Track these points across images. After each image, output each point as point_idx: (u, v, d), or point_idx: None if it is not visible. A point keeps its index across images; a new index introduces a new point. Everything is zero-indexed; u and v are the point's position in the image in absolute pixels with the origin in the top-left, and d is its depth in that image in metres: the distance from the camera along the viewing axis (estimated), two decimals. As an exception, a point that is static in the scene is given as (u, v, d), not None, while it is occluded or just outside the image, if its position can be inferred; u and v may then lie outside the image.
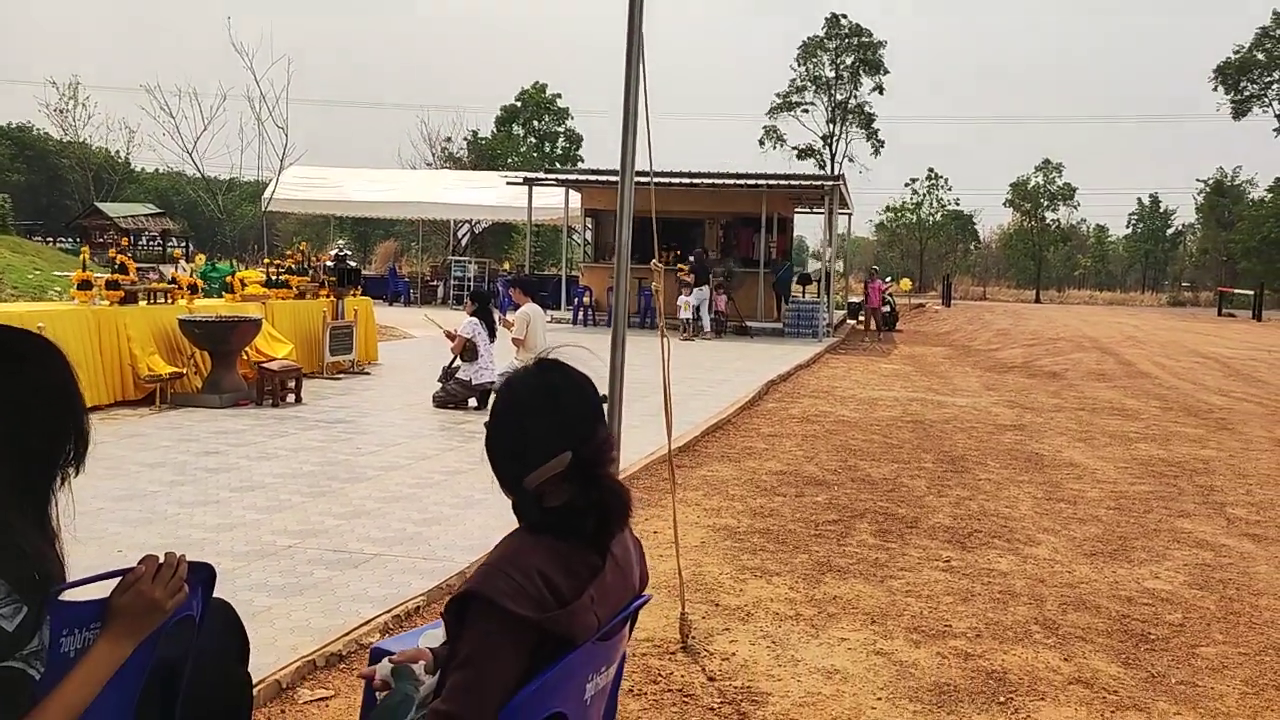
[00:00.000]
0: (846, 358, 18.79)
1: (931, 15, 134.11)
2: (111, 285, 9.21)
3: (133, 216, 33.99)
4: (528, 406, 1.89)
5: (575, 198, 26.79)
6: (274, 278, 11.79)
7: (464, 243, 35.73)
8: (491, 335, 10.04)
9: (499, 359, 11.38)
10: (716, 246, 25.69)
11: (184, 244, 38.69)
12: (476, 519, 5.78)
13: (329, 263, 12.62)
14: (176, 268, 12.91)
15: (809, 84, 67.09)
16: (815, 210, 29.76)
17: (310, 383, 11.27)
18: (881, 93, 66.13)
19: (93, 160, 45.85)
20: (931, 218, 72.47)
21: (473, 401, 9.87)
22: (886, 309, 27.62)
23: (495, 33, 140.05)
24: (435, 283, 30.98)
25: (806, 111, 66.87)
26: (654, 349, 16.91)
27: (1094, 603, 5.06)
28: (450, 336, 10.77)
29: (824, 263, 26.24)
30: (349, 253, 12.83)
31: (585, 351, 2.09)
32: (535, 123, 64.37)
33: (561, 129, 64.79)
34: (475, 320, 9.93)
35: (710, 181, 22.78)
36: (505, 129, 62.17)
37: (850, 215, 30.74)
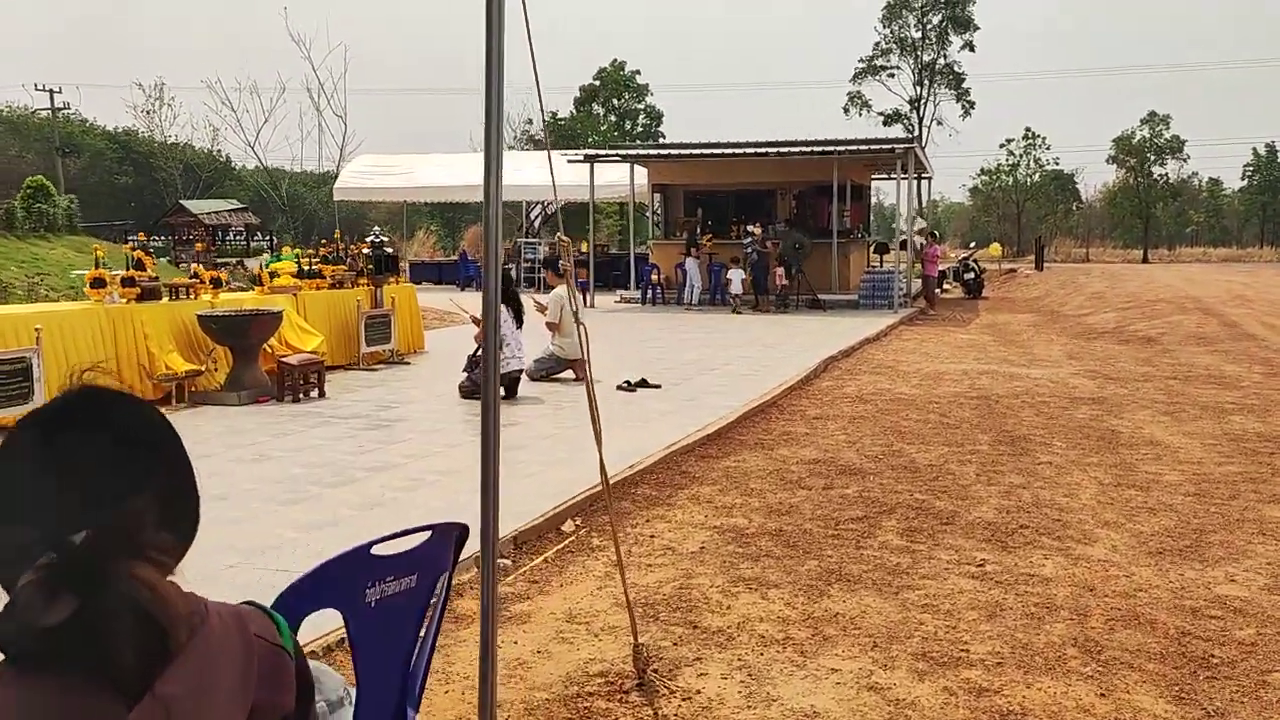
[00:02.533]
0: (921, 329, 17.81)
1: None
2: (127, 282, 9.00)
3: (216, 212, 34.68)
4: (4, 480, 1.24)
5: (643, 173, 26.18)
6: (307, 267, 11.51)
7: (537, 224, 35.44)
8: (518, 321, 9.54)
9: (535, 345, 10.91)
10: (789, 217, 24.81)
11: (268, 237, 39.43)
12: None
13: (366, 250, 12.29)
14: (208, 266, 12.74)
15: (895, 46, 64.90)
16: (895, 176, 28.55)
17: (344, 375, 10.98)
18: (972, 51, 63.61)
19: (180, 158, 47.00)
20: (1029, 179, 69.55)
21: (500, 391, 9.37)
22: (970, 275, 26.35)
23: (565, 12, 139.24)
24: (508, 265, 30.74)
25: (893, 75, 64.79)
26: (704, 327, 16.17)
27: (1150, 616, 4.29)
28: (476, 322, 10.34)
29: (908, 231, 25.07)
30: (386, 239, 12.48)
31: None
32: (615, 101, 63.97)
33: (641, 106, 64.22)
34: (500, 306, 9.43)
35: (777, 151, 21.89)
36: (585, 109, 61.90)
37: (930, 180, 29.39)
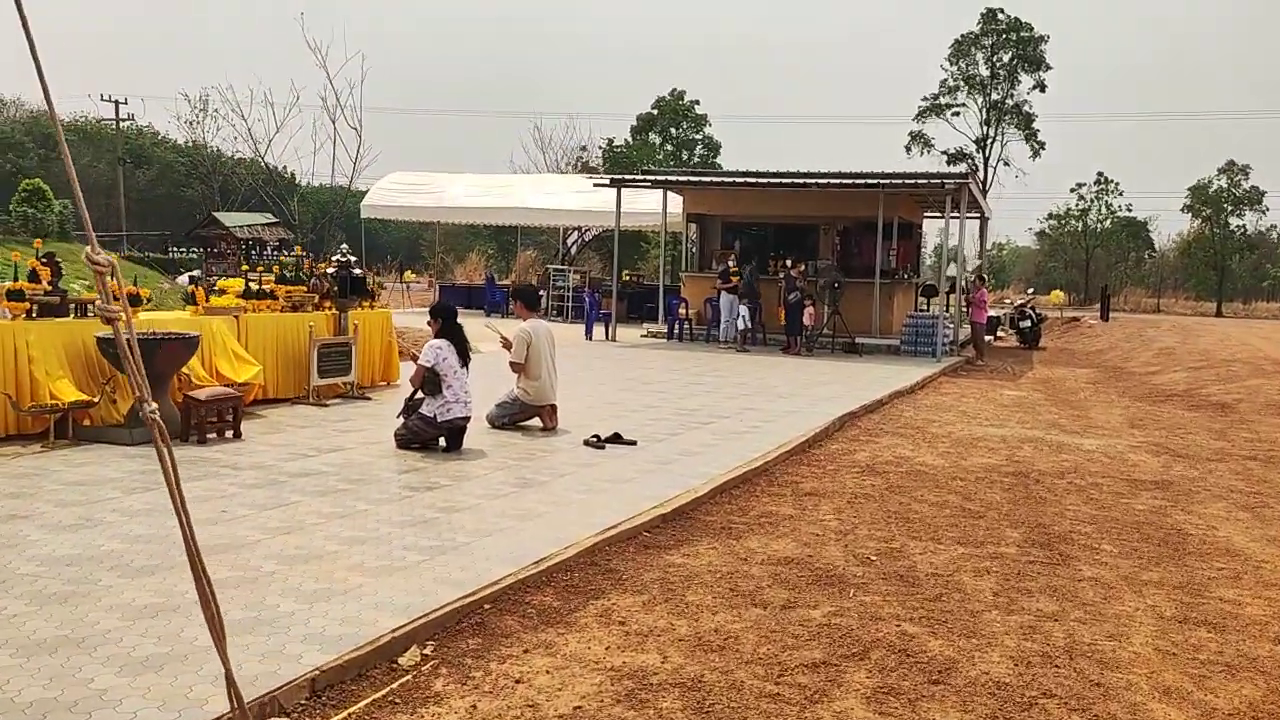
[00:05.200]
0: (964, 382, 16.07)
1: (1099, 4, 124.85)
2: (14, 296, 7.79)
3: (249, 226, 33.95)
4: None
5: (678, 201, 24.82)
6: (257, 287, 10.24)
7: (574, 250, 34.22)
8: (464, 360, 8.11)
9: (498, 386, 9.52)
10: (832, 253, 23.23)
11: (307, 254, 38.72)
12: (164, 683, 3.83)
13: (330, 270, 11.02)
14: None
15: (962, 84, 62.99)
16: (953, 216, 26.85)
17: (286, 410, 9.67)
18: (1043, 91, 61.45)
19: (231, 170, 46.88)
20: (1100, 225, 66.86)
21: (441, 441, 7.98)
22: (1027, 323, 24.49)
23: (624, 42, 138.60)
24: (540, 292, 29.56)
25: (958, 114, 62.79)
26: (720, 369, 14.38)
27: None
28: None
29: (964, 272, 23.30)
30: (354, 258, 11.20)
31: None
32: (673, 130, 63.06)
33: (699, 136, 63.19)
34: (441, 343, 8.01)
35: (817, 182, 20.34)
36: (641, 137, 61.01)
37: (987, 220, 27.56)
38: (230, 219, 35.34)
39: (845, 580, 5.30)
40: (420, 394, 7.97)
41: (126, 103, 55.83)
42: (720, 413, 10.74)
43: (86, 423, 7.92)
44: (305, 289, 10.81)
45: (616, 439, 8.58)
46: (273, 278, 10.67)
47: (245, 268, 11.16)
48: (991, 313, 24.81)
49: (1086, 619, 4.90)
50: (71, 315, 8.32)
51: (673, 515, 6.37)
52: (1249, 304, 65.10)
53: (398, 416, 8.13)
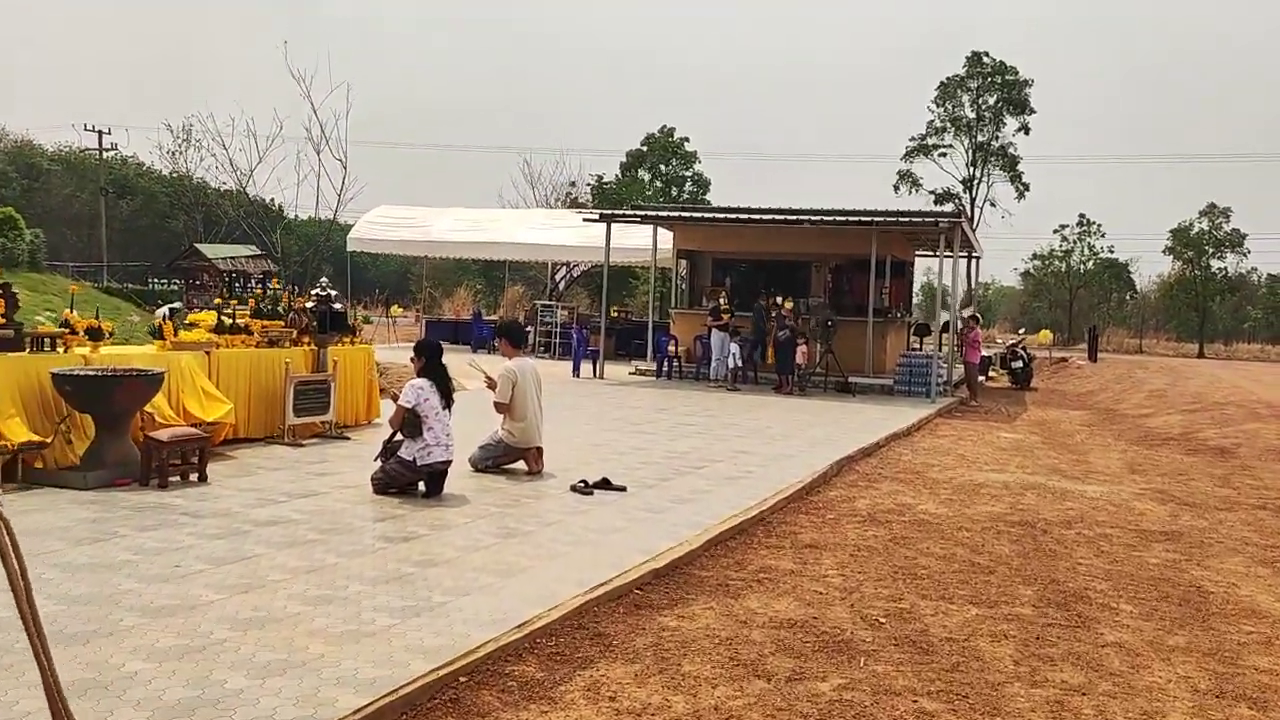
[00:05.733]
0: (960, 423, 15.72)
1: (1082, 49, 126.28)
2: (-37, 330, 7.35)
3: (231, 258, 33.47)
4: None
5: (668, 237, 24.54)
6: (230, 321, 9.80)
7: (561, 286, 33.87)
8: (446, 401, 7.70)
9: (486, 424, 9.10)
10: (824, 291, 22.97)
11: (291, 287, 38.23)
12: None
13: (308, 304, 10.60)
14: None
15: (948, 125, 63.37)
16: (946, 254, 26.68)
17: (260, 451, 9.22)
18: (1027, 133, 61.89)
19: (217, 202, 46.50)
20: (1083, 266, 67.09)
21: (421, 486, 7.54)
22: (1019, 364, 24.22)
23: (618, 71, 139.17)
24: (528, 328, 29.14)
25: (944, 154, 63.11)
26: (711, 410, 13.95)
27: None
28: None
29: (956, 313, 23.05)
30: (334, 292, 10.81)
31: None
32: (662, 167, 63.16)
33: (689, 173, 63.30)
34: (422, 383, 7.59)
35: (809, 219, 20.09)
36: (630, 174, 61.04)
37: (979, 259, 27.39)
38: (212, 250, 34.87)
39: (854, 646, 4.88)
40: (399, 436, 7.55)
41: (110, 132, 55.16)
42: (712, 456, 10.34)
43: (39, 464, 7.44)
44: (283, 324, 10.39)
45: (605, 484, 8.16)
46: (248, 311, 10.24)
47: (219, 301, 10.68)
48: (984, 352, 24.53)
49: (1117, 692, 4.50)
50: (27, 350, 7.88)
51: (666, 570, 5.95)
52: (1230, 345, 65.26)
53: (375, 459, 7.69)
